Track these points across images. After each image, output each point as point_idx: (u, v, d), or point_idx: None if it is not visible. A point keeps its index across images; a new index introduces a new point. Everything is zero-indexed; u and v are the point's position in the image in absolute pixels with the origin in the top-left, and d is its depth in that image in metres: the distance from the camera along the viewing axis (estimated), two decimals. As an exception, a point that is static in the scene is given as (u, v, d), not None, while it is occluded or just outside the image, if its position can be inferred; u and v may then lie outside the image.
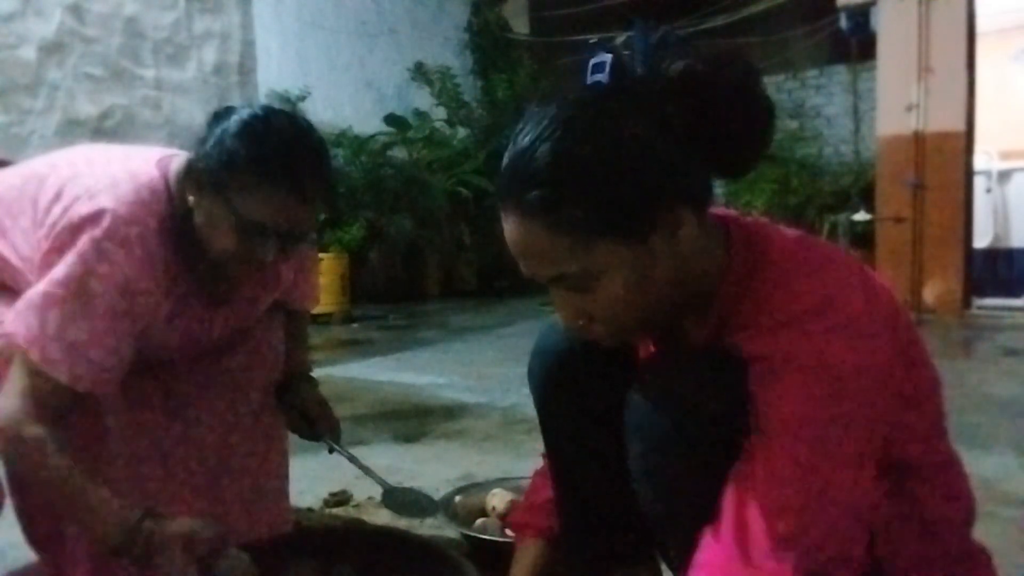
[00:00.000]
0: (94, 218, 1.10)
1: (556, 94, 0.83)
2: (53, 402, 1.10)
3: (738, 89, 0.81)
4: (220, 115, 1.16)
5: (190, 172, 1.15)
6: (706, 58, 0.81)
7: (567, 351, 1.04)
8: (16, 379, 1.10)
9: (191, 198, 1.15)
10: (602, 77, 0.81)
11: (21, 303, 1.10)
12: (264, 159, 1.10)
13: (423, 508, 1.42)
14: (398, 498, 1.43)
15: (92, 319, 1.09)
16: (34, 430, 1.08)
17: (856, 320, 0.78)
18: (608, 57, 0.81)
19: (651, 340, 1.02)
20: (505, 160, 0.82)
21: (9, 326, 1.10)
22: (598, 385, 1.04)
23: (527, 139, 0.80)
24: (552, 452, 1.13)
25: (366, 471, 1.43)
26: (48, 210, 1.14)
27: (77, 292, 1.08)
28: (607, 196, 0.77)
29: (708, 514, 0.81)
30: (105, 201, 1.11)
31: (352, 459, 1.44)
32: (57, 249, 1.10)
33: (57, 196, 1.15)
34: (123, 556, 1.09)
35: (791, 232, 0.89)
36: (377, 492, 1.49)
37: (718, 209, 0.91)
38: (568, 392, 1.06)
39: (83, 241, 1.09)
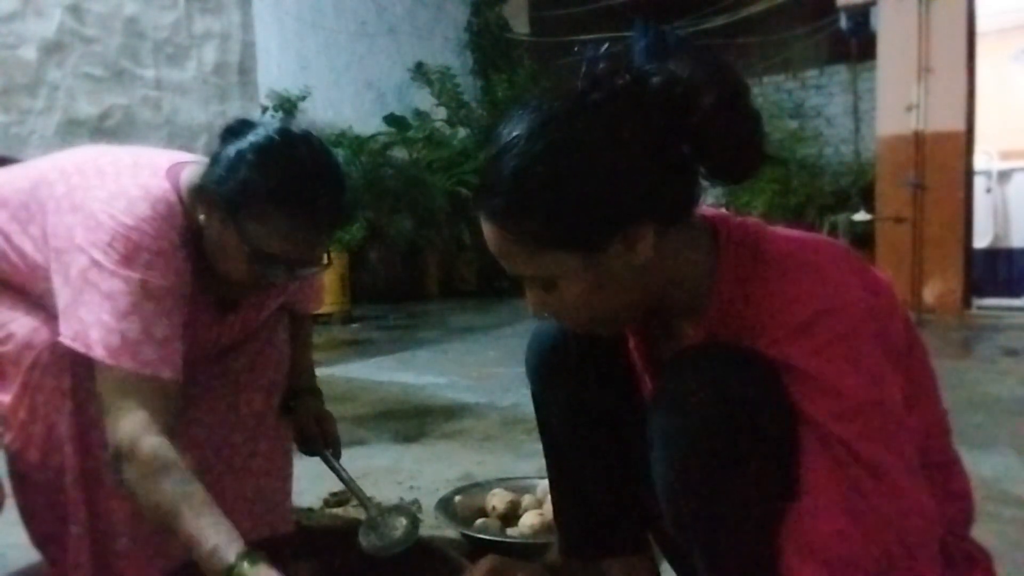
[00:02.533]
0: (123, 236, 1.09)
1: (538, 97, 0.84)
2: (163, 403, 1.09)
3: (720, 102, 0.80)
4: (235, 131, 1.14)
5: (203, 192, 1.14)
6: (691, 71, 0.80)
7: (561, 340, 1.06)
8: (119, 400, 1.07)
9: (202, 216, 1.15)
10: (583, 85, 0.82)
11: (79, 326, 1.08)
12: (281, 192, 1.09)
13: (399, 541, 1.29)
14: (377, 529, 1.32)
15: (167, 315, 1.10)
16: (151, 444, 1.05)
17: (864, 320, 0.79)
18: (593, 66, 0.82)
19: (636, 334, 1.02)
20: (483, 162, 0.85)
21: (73, 345, 1.09)
22: (591, 373, 1.06)
23: (499, 146, 0.82)
24: (546, 440, 1.15)
25: (356, 494, 1.39)
26: (63, 222, 1.13)
27: (144, 296, 1.08)
28: (560, 213, 0.79)
29: (748, 515, 0.81)
30: (127, 219, 1.10)
31: (346, 480, 1.41)
32: (88, 271, 1.08)
33: (72, 208, 1.13)
34: None
35: (784, 231, 0.90)
36: (377, 493, 1.48)
37: (707, 210, 0.91)
38: (562, 380, 1.08)
39: (118, 257, 1.08)
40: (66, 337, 1.10)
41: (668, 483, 0.86)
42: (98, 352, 1.07)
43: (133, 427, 1.05)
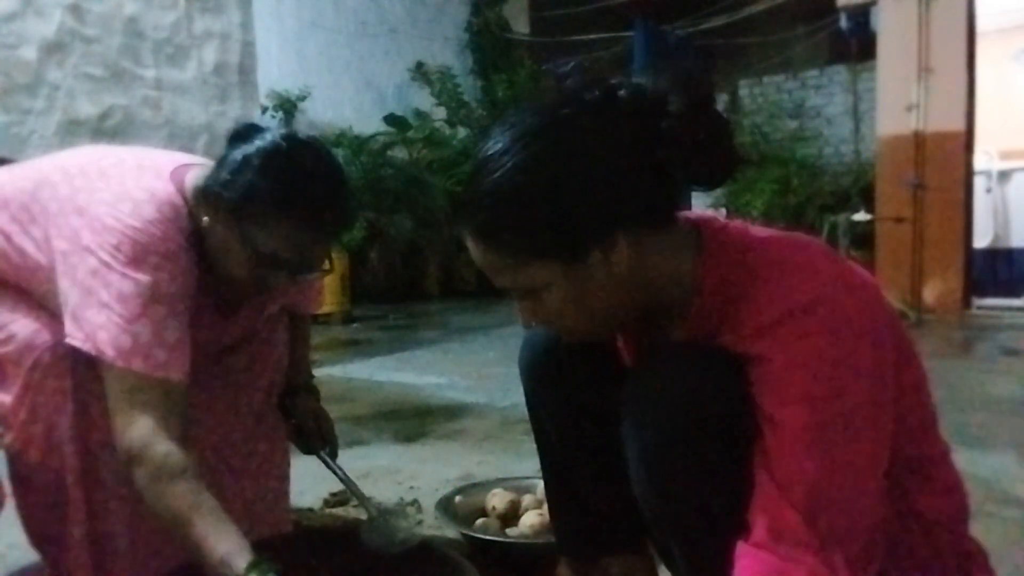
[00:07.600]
0: (130, 239, 1.09)
1: (514, 115, 0.87)
2: (173, 406, 1.09)
3: (687, 109, 0.82)
4: (242, 135, 1.15)
5: (207, 195, 1.14)
6: (656, 81, 0.84)
7: (553, 342, 1.08)
8: (129, 403, 1.07)
9: (205, 219, 1.15)
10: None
11: (88, 328, 1.07)
12: (285, 198, 1.11)
13: (402, 540, 1.31)
14: (379, 528, 1.34)
15: (177, 317, 1.11)
16: (163, 448, 1.06)
17: (847, 317, 0.79)
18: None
19: (627, 337, 1.04)
20: (467, 179, 0.88)
21: (83, 346, 1.08)
22: (583, 374, 1.07)
23: (479, 163, 0.85)
24: (540, 441, 1.17)
25: (355, 494, 1.40)
26: (68, 224, 1.13)
27: (154, 298, 1.09)
28: (536, 226, 0.82)
29: (714, 511, 0.83)
30: (134, 222, 1.10)
31: (344, 479, 1.42)
32: (97, 273, 1.08)
33: (77, 211, 1.13)
34: None
35: (765, 230, 0.91)
36: (377, 493, 1.48)
37: (693, 213, 0.93)
38: (554, 381, 1.09)
39: (126, 260, 1.08)
40: (75, 339, 1.09)
41: (640, 479, 0.89)
42: (109, 353, 1.07)
43: (144, 432, 1.06)
